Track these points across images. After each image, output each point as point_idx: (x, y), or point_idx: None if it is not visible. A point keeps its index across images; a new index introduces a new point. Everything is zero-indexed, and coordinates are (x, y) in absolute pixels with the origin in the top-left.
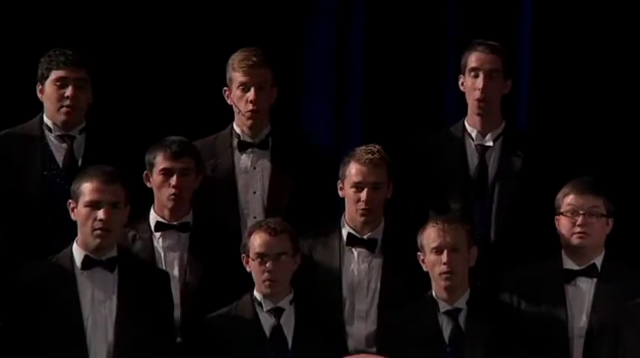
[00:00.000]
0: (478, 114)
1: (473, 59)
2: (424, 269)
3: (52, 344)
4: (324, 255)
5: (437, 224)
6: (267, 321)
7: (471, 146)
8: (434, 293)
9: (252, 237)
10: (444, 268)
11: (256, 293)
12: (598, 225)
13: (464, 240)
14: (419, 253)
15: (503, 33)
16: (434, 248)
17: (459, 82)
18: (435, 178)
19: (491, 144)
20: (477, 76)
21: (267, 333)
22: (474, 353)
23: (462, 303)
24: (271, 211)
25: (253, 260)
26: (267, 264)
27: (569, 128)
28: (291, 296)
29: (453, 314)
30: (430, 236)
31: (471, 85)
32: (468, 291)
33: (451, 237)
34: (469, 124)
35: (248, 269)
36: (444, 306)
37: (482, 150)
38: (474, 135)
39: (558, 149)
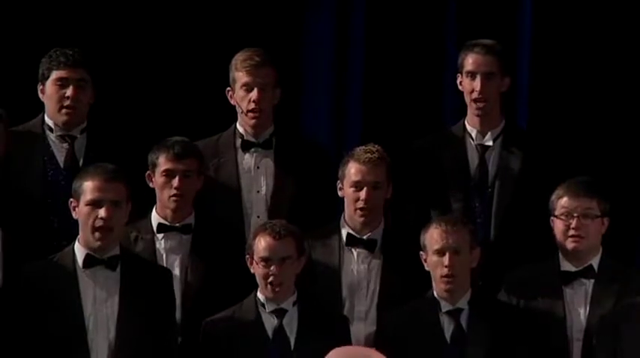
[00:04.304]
0: (477, 115)
1: (469, 61)
2: (426, 268)
3: (53, 343)
4: (324, 256)
5: (440, 226)
6: (269, 322)
7: (471, 146)
8: (435, 293)
9: (257, 239)
10: (445, 271)
11: (259, 295)
12: (593, 226)
13: (466, 241)
14: (421, 252)
15: (503, 32)
16: (436, 250)
17: (457, 81)
18: (436, 178)
19: (491, 143)
20: (473, 79)
21: (270, 334)
22: (476, 353)
23: (463, 303)
24: (274, 211)
25: (257, 263)
26: (272, 268)
27: (568, 126)
28: (294, 297)
29: (454, 314)
30: (433, 237)
31: (469, 87)
32: (469, 291)
33: (454, 240)
34: (469, 124)
35: (252, 271)
36: (445, 306)
37: (483, 149)
38: (474, 134)
39: (558, 148)
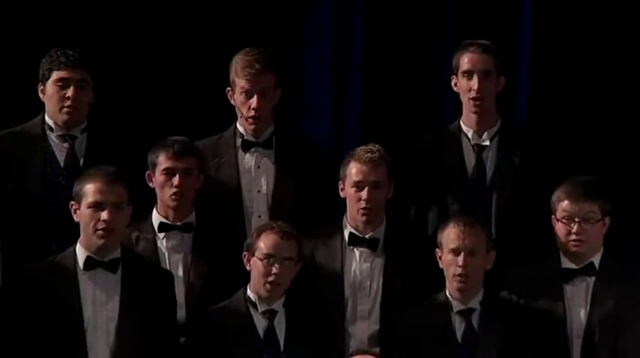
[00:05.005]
0: (474, 114)
1: (465, 61)
2: (440, 266)
3: (52, 344)
4: (326, 255)
5: (458, 225)
6: (260, 322)
7: (467, 146)
8: (447, 293)
9: (262, 237)
10: (458, 270)
11: (250, 293)
12: (594, 229)
13: (482, 243)
14: (437, 250)
15: (503, 32)
16: (451, 249)
17: (452, 83)
18: (433, 178)
19: (487, 143)
20: (470, 78)
21: (261, 334)
22: (487, 354)
23: (475, 303)
24: (275, 210)
25: (261, 259)
26: (275, 266)
27: (568, 125)
28: (283, 299)
29: (466, 314)
30: (449, 236)
31: (465, 86)
32: (481, 292)
33: (470, 241)
34: (465, 124)
35: (248, 268)
36: (457, 306)
37: (479, 149)
38: (470, 134)
39: (556, 145)
